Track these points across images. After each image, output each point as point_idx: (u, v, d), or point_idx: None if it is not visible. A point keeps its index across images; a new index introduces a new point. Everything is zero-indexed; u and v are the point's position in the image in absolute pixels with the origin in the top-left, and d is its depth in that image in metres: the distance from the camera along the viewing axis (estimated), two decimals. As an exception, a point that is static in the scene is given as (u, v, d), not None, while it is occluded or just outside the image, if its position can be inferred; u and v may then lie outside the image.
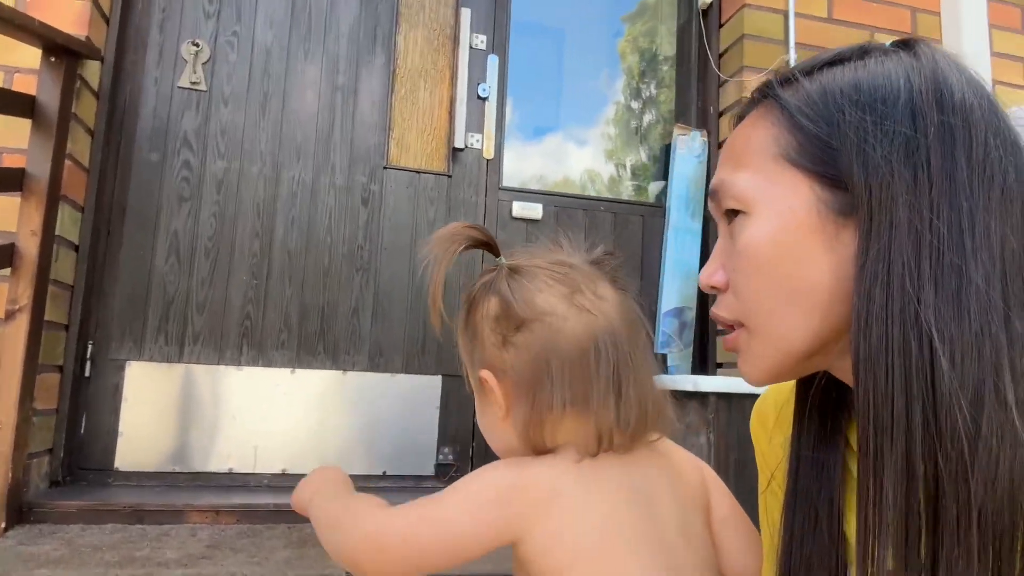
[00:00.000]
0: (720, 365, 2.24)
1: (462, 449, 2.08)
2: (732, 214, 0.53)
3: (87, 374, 1.86)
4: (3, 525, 1.45)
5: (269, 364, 1.99)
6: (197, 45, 2.09)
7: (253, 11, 2.13)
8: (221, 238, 2.02)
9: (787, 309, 0.49)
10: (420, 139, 2.24)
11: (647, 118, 2.57)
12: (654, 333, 2.29)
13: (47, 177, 1.62)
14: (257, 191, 2.06)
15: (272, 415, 1.95)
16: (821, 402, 0.56)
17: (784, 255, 0.49)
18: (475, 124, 2.28)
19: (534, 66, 2.49)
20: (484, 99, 2.29)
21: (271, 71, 2.14)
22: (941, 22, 2.41)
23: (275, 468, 1.92)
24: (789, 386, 0.61)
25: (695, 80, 2.49)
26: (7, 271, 1.56)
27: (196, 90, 2.07)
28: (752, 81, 2.25)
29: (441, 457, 2.04)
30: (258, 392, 1.95)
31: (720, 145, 2.37)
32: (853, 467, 0.53)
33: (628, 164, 2.53)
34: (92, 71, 1.88)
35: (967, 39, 2.06)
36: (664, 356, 2.18)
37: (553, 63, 2.58)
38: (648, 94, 2.58)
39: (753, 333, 0.52)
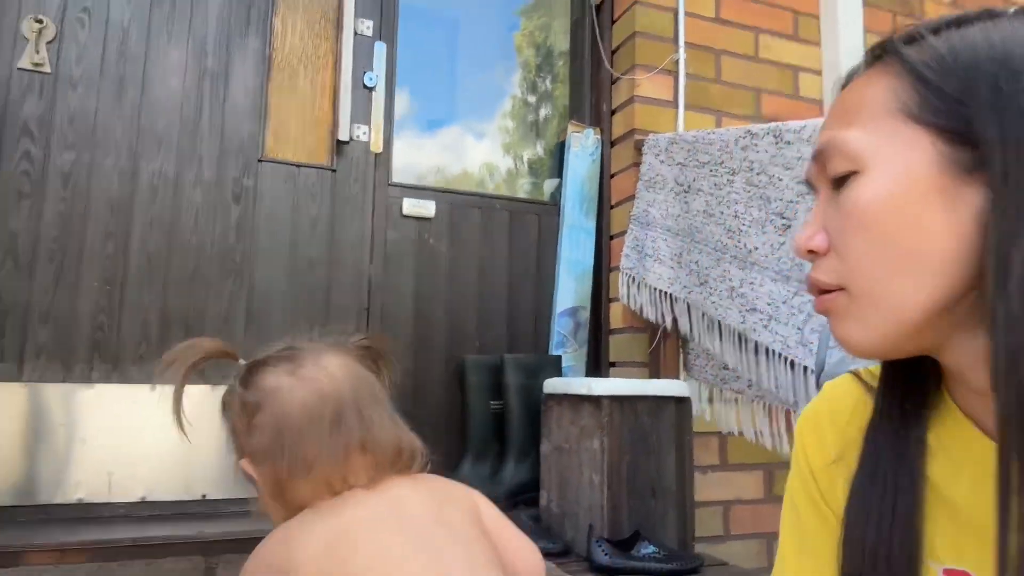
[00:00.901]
0: (613, 364, 2.23)
1: (348, 463, 1.96)
2: (840, 179, 0.50)
3: (-99, 398, 1.61)
4: None
5: (126, 380, 1.79)
6: (41, 21, 1.85)
7: (105, -15, 1.91)
8: (68, 239, 1.79)
9: (899, 272, 0.46)
10: (300, 130, 2.09)
11: (544, 112, 2.53)
12: (548, 334, 2.25)
13: None
14: (111, 186, 1.85)
15: (130, 437, 1.75)
16: (904, 395, 0.55)
17: (900, 215, 0.46)
18: (361, 115, 2.15)
19: (427, 56, 2.38)
20: (371, 88, 2.16)
21: (128, 53, 1.92)
22: (820, 25, 2.49)
23: (133, 496, 1.73)
24: (850, 404, 0.60)
25: (588, 77, 2.46)
26: None
27: (39, 72, 1.84)
28: (644, 79, 2.24)
29: (325, 472, 1.91)
30: (113, 412, 1.75)
31: (614, 143, 2.36)
32: (933, 473, 0.52)
33: (526, 158, 2.48)
34: (-96, 46, 1.62)
35: (843, 42, 2.15)
36: (558, 357, 2.14)
37: (448, 54, 2.48)
38: (544, 88, 2.53)
39: (857, 298, 0.49)
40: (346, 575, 0.63)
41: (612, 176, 2.35)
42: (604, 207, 2.35)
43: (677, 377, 2.04)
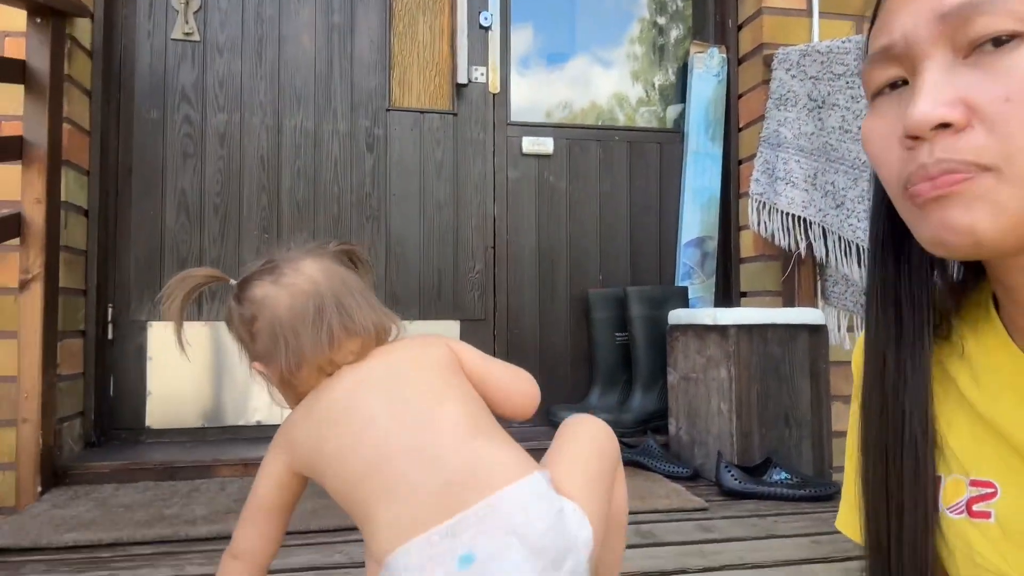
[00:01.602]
0: (744, 294, 2.18)
1: (483, 392, 2.08)
2: (980, 43, 0.44)
3: (110, 337, 1.89)
4: (39, 489, 1.51)
5: (286, 318, 1.99)
6: (187, -8, 2.01)
7: (239, -48, 2.04)
8: (228, 193, 1.99)
9: None
10: (422, 76, 2.15)
11: (675, 34, 2.40)
12: (674, 266, 2.23)
13: (45, 142, 1.60)
14: (260, 142, 2.02)
15: (293, 368, 1.96)
16: (912, 293, 0.53)
17: None
18: (478, 56, 2.17)
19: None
20: (487, 28, 2.18)
21: (264, 15, 2.06)
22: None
23: (299, 419, 1.95)
24: None
25: (712, -9, 2.33)
26: (16, 241, 1.57)
27: (190, 41, 2.01)
28: (773, -12, 2.09)
29: (463, 400, 2.05)
30: (277, 346, 1.97)
31: (741, 61, 2.23)
32: (948, 365, 0.52)
33: (657, 84, 2.38)
34: (83, 30, 1.83)
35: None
36: (684, 288, 2.12)
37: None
38: (675, 8, 2.40)
39: (1008, 178, 0.43)
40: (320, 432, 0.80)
41: (739, 97, 2.24)
42: (731, 130, 2.25)
43: (814, 305, 1.96)
